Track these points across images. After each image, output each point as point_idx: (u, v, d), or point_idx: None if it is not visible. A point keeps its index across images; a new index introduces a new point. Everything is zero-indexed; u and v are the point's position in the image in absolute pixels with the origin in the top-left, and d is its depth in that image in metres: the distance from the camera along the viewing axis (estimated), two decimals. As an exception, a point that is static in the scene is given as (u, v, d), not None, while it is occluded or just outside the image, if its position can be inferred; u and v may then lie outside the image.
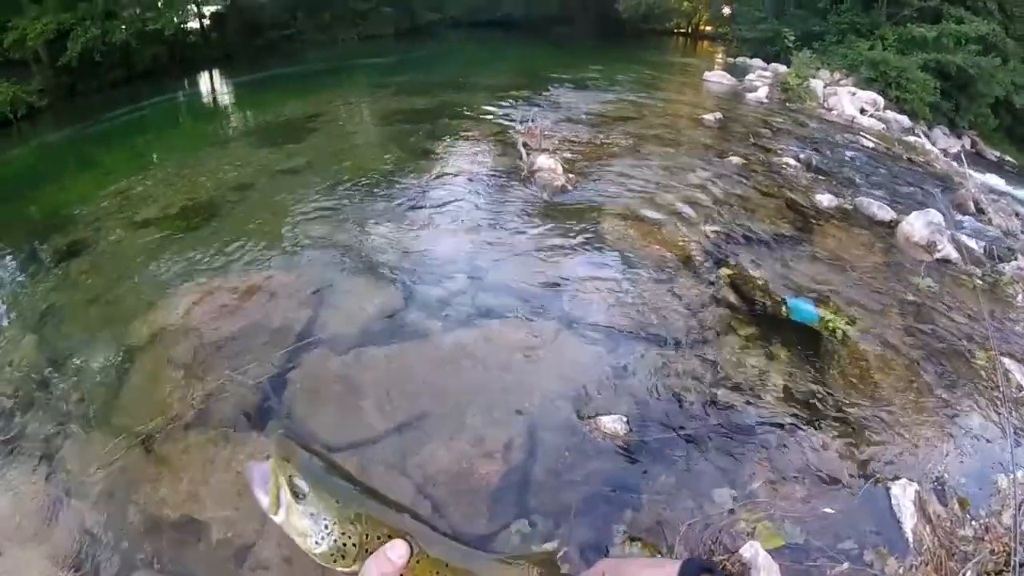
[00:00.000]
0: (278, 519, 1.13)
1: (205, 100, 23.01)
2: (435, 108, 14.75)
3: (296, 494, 1.12)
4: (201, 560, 3.91)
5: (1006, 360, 5.81)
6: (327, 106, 16.26)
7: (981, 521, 4.08)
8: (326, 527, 1.11)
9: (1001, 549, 3.90)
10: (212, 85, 25.11)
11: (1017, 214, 11.75)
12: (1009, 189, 15.07)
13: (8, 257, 9.02)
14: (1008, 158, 21.53)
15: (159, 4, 23.80)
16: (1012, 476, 4.42)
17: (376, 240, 7.54)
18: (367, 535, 1.11)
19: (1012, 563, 3.75)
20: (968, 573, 3.71)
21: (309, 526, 1.11)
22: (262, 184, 9.90)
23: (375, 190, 9.11)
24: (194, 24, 28.31)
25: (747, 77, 19.08)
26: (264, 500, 1.14)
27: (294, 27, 31.11)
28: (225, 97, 23.30)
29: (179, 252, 7.78)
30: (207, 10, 28.88)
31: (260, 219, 8.49)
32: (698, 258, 6.99)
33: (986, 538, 3.96)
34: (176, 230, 8.45)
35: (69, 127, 18.69)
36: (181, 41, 26.28)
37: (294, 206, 8.78)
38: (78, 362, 5.96)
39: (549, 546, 3.69)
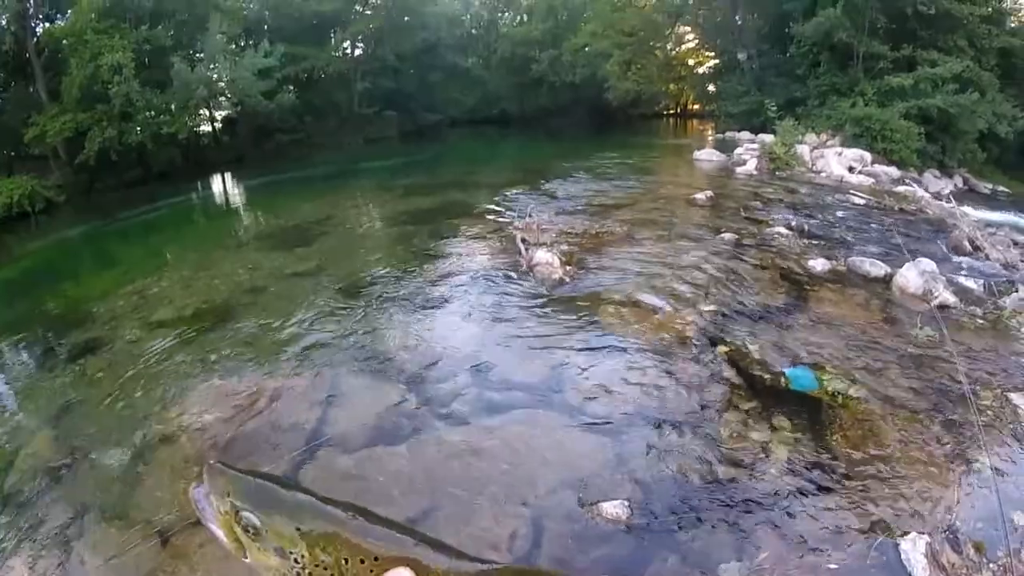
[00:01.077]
0: (249, 562, 1.11)
1: (218, 202, 23.84)
2: (438, 208, 15.31)
3: (252, 532, 1.09)
4: None
5: (1013, 395, 5.90)
6: (335, 209, 16.87)
7: (1000, 563, 4.09)
8: (297, 561, 1.08)
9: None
10: (224, 187, 26.10)
11: (1015, 243, 11.87)
12: (1006, 218, 15.22)
13: (27, 351, 9.42)
14: (1002, 188, 21.80)
15: (173, 108, 25.14)
16: None
17: (384, 340, 7.80)
18: (345, 560, 1.06)
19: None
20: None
21: (279, 564, 1.09)
22: (274, 287, 10.23)
23: (383, 291, 9.42)
24: (207, 128, 29.68)
25: (736, 151, 19.56)
26: (226, 543, 1.13)
27: (302, 131, 32.53)
28: (237, 199, 24.14)
29: (193, 353, 8.04)
30: (219, 115, 30.22)
31: (272, 322, 8.77)
32: (695, 338, 7.14)
33: None
34: (191, 331, 8.74)
35: (86, 223, 19.49)
36: (194, 144, 27.67)
37: (304, 309, 9.07)
38: (94, 456, 6.15)
39: None
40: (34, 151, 23.04)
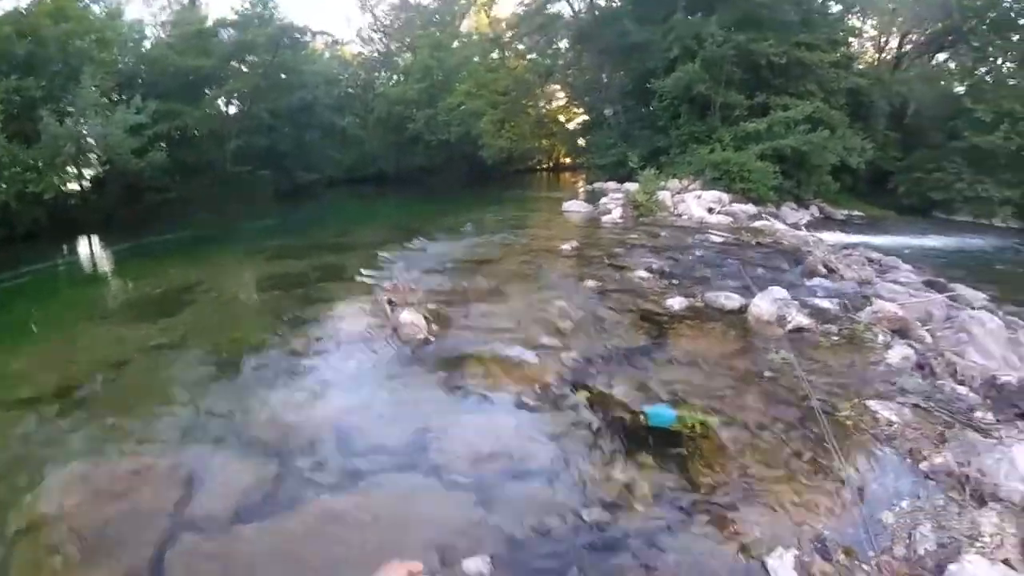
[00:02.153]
0: None
1: (85, 268, 22.53)
2: (310, 271, 15.02)
3: None
4: None
5: (871, 402, 6.26)
6: (205, 273, 16.23)
7: (873, 562, 4.24)
8: None
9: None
10: (92, 251, 24.76)
11: (869, 260, 12.69)
12: (860, 239, 16.32)
13: None
14: (856, 212, 23.87)
15: (40, 165, 23.84)
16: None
17: (247, 414, 7.46)
18: None
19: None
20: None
21: None
22: (136, 361, 9.70)
23: (248, 362, 9.08)
24: (74, 186, 28.20)
25: (602, 201, 20.26)
26: None
27: (173, 190, 31.38)
28: (104, 264, 22.91)
29: (53, 436, 7.49)
30: (88, 172, 28.89)
31: (134, 398, 8.31)
32: (557, 388, 7.21)
33: (882, 574, 4.12)
34: (50, 412, 8.11)
35: None
36: (62, 203, 26.08)
37: (168, 384, 8.66)
38: None
39: None
40: None
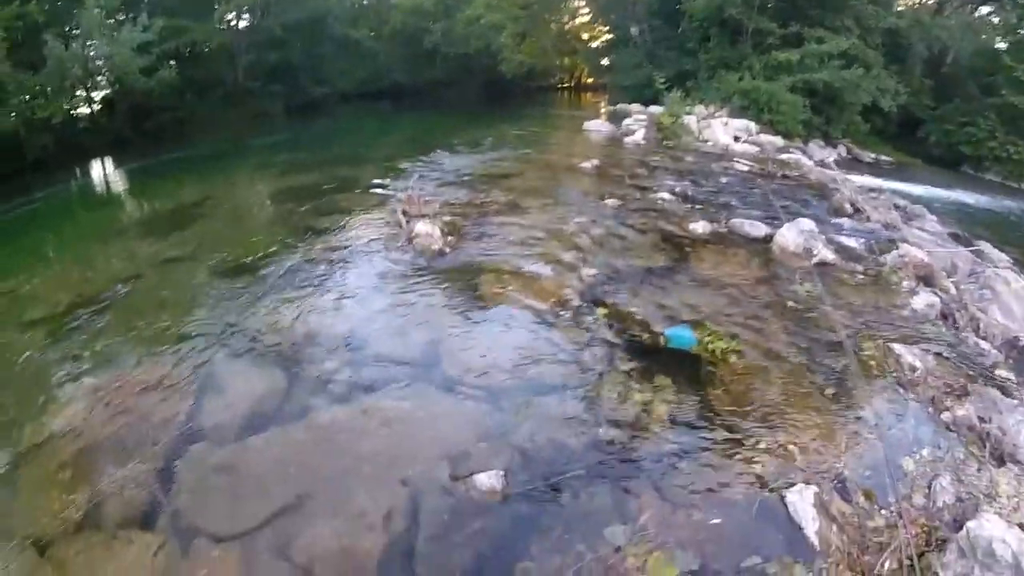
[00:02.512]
0: None
1: (96, 189, 22.45)
2: (322, 184, 14.72)
3: None
4: None
5: (895, 346, 6.01)
6: (216, 189, 16.09)
7: (892, 508, 4.12)
8: None
9: (919, 530, 3.95)
10: (104, 173, 24.57)
11: (896, 206, 12.33)
12: (887, 184, 15.83)
13: None
14: (884, 157, 22.98)
15: (48, 91, 23.35)
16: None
17: (259, 323, 7.39)
18: None
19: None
20: (887, 562, 3.73)
21: None
22: (148, 275, 9.64)
23: (260, 272, 8.97)
24: (84, 110, 27.79)
25: (625, 122, 19.65)
26: None
27: (184, 108, 30.81)
28: (116, 185, 22.78)
29: (66, 351, 7.49)
30: (96, 95, 28.40)
31: (145, 311, 8.25)
32: (575, 303, 7.05)
33: (899, 523, 3.98)
34: (63, 329, 8.14)
35: None
36: (71, 128, 25.67)
37: (179, 297, 8.61)
38: None
39: None
40: None
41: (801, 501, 4.11)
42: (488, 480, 4.47)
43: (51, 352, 7.58)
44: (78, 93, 26.55)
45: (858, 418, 5.06)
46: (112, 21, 26.65)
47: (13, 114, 21.98)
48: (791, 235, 8.48)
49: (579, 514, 4.24)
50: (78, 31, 24.75)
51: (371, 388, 5.88)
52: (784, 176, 13.07)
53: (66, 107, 24.73)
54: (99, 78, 27.52)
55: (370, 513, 4.36)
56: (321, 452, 5.12)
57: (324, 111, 35.69)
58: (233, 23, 35.79)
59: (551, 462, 4.71)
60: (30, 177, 21.69)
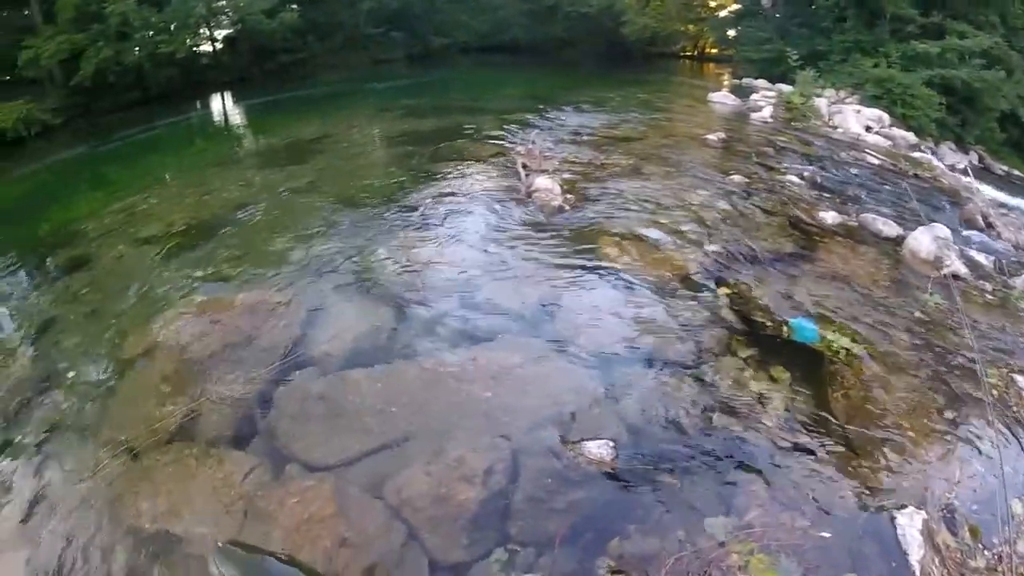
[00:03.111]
0: None
1: (216, 121, 23.25)
2: (440, 131, 14.68)
3: None
4: (176, 573, 3.82)
5: (1018, 377, 5.56)
6: (334, 128, 16.26)
7: (994, 551, 3.83)
8: None
9: (1019, 581, 3.67)
10: (223, 107, 25.35)
11: (1028, 227, 11.47)
12: (1018, 203, 14.77)
13: (15, 270, 9.13)
14: (1016, 172, 21.23)
15: (172, 27, 23.91)
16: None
17: (372, 260, 7.44)
18: None
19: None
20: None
21: None
22: (264, 203, 9.84)
23: (375, 211, 9.01)
24: (207, 47, 28.48)
25: (751, 97, 18.86)
26: None
27: (305, 51, 31.21)
28: (235, 118, 23.54)
29: (178, 269, 7.79)
30: (219, 34, 29.04)
31: (259, 238, 8.46)
32: (697, 278, 6.77)
33: (999, 568, 3.71)
34: (177, 247, 8.45)
35: (82, 146, 18.94)
36: (194, 64, 26.48)
37: (293, 225, 8.72)
38: (72, 373, 6.00)
39: None
40: (29, 75, 22.01)
41: (910, 526, 3.86)
42: (597, 449, 4.32)
43: (163, 268, 7.88)
44: (201, 31, 27.13)
45: (976, 448, 4.69)
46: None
47: (137, 48, 22.72)
48: (925, 240, 7.95)
49: (683, 500, 4.07)
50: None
51: (481, 337, 5.80)
52: (916, 176, 12.27)
53: (189, 44, 25.41)
54: (222, 18, 28.02)
55: (469, 464, 4.28)
56: (424, 395, 5.06)
57: (443, 61, 35.60)
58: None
59: (661, 440, 4.54)
60: (154, 107, 22.46)
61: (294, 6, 29.61)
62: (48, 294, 8.01)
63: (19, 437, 5.22)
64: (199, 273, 7.56)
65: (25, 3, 22.73)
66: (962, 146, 20.62)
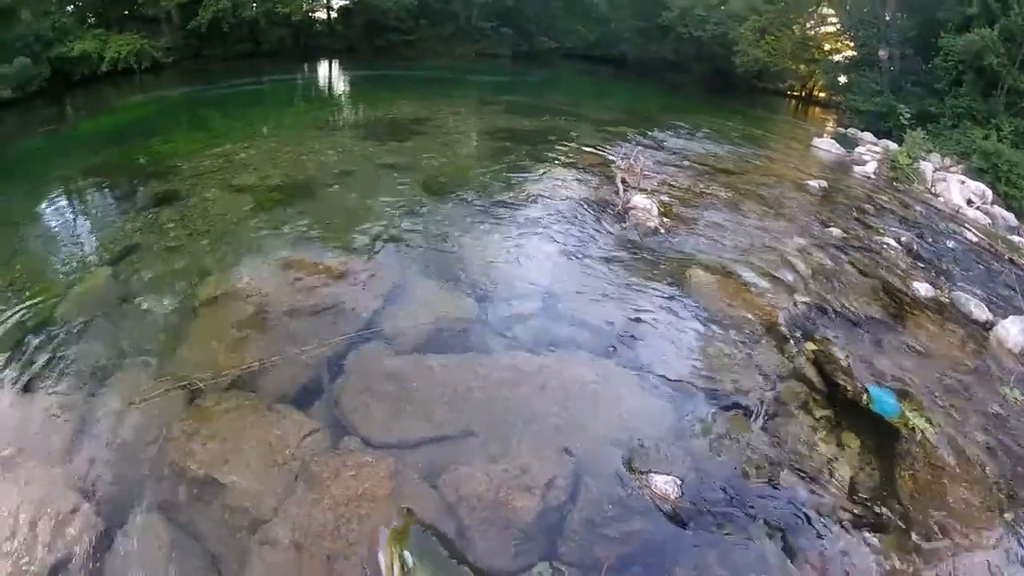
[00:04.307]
0: None
1: (321, 86, 23.60)
2: (539, 130, 14.61)
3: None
4: (214, 521, 3.87)
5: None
6: (435, 112, 16.30)
7: None
8: None
9: None
10: (330, 74, 25.76)
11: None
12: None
13: (108, 193, 9.43)
14: None
15: None
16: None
17: (459, 248, 7.43)
18: None
19: None
20: None
21: None
22: (359, 173, 9.94)
23: (467, 199, 9.02)
24: (321, 15, 29.01)
25: (856, 149, 18.27)
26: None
27: (415, 33, 31.51)
28: (340, 87, 23.84)
29: (266, 222, 7.88)
30: (336, 3, 29.51)
31: (351, 206, 8.54)
32: (783, 327, 6.56)
33: None
34: (268, 201, 8.55)
35: (189, 87, 19.54)
36: (307, 28, 27.17)
37: (386, 200, 8.77)
38: (146, 303, 6.09)
39: None
40: (148, 12, 22.75)
41: None
42: (664, 484, 4.23)
43: (251, 218, 7.97)
44: None
45: None
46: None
47: (255, 4, 23.52)
48: (1014, 330, 7.58)
49: (738, 552, 3.97)
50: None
51: (559, 346, 5.73)
52: (1011, 260, 11.80)
53: (305, 8, 26.28)
54: None
55: (530, 474, 4.23)
56: (495, 393, 5.02)
57: (547, 63, 35.54)
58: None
59: (726, 487, 4.42)
60: (262, 62, 22.92)
61: (410, -14, 29.92)
62: (135, 222, 8.13)
63: (80, 357, 5.31)
64: (287, 229, 7.64)
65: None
66: (1064, 236, 19.67)
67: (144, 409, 4.63)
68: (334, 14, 30.29)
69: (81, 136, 13.57)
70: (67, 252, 7.46)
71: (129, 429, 4.46)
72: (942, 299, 8.29)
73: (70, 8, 21.65)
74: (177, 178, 9.54)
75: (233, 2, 22.43)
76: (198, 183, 9.28)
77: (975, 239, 12.20)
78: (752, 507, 4.29)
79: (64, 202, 9.15)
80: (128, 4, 22.98)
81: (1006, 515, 4.79)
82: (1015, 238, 13.88)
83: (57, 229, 8.17)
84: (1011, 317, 7.84)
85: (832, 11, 33.80)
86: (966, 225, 13.05)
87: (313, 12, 28.31)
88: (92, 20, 21.82)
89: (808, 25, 34.65)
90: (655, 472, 4.35)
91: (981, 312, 8.10)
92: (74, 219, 8.52)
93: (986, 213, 15.21)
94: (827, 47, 35.59)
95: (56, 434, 4.46)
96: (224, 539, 3.77)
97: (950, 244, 11.30)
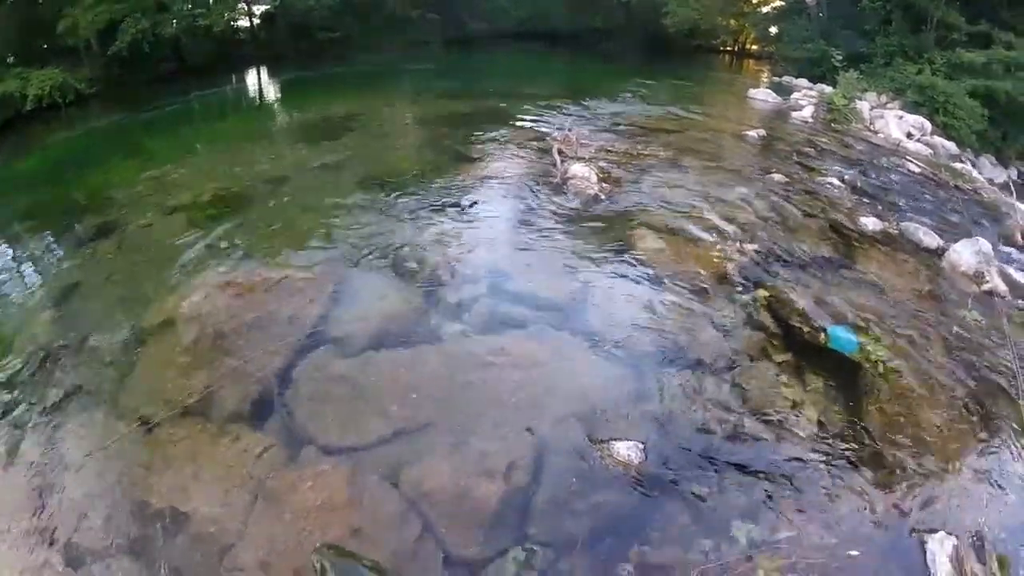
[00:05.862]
0: None
1: (250, 96, 23.21)
2: (475, 114, 14.41)
3: None
4: (182, 552, 3.72)
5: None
6: (368, 107, 16.01)
7: None
8: None
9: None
10: (258, 82, 25.32)
11: (1065, 245, 11.08)
12: (1058, 221, 14.31)
13: (43, 234, 9.08)
14: None
15: (210, 1, 24.05)
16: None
17: (401, 241, 7.24)
18: None
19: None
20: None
21: None
22: (294, 179, 9.70)
23: (406, 190, 8.82)
24: (244, 22, 28.51)
25: (792, 96, 18.43)
26: None
27: (342, 31, 31.11)
28: (269, 94, 23.47)
29: (203, 239, 7.64)
30: (257, 9, 29.05)
31: (288, 213, 8.34)
32: (734, 277, 6.51)
33: None
34: (204, 218, 8.32)
35: (116, 115, 18.91)
36: (230, 38, 26.47)
37: (323, 202, 8.59)
38: (92, 339, 5.87)
39: None
40: (67, 43, 22.14)
41: (940, 552, 3.70)
42: (626, 451, 4.13)
43: (189, 237, 7.72)
44: (239, 6, 27.08)
45: (1008, 473, 4.45)
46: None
47: (175, 20, 22.80)
48: (966, 254, 7.64)
49: (711, 509, 3.89)
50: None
51: (510, 326, 5.61)
52: (956, 187, 11.89)
53: (227, 18, 25.45)
54: None
55: (491, 458, 4.12)
56: (448, 382, 4.90)
57: (479, 46, 35.26)
58: (396, -52, 35.52)
59: (690, 445, 4.33)
60: (188, 79, 22.47)
61: (333, -16, 29.51)
62: (74, 258, 7.92)
63: (34, 400, 5.14)
64: (225, 246, 7.42)
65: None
66: (1002, 160, 20.03)
67: (102, 450, 4.47)
68: (257, 21, 29.76)
69: (13, 177, 13.12)
70: (7, 299, 7.24)
71: (88, 473, 4.30)
72: (891, 231, 8.33)
73: (-10, 48, 21.07)
74: (112, 208, 9.24)
75: (152, 21, 21.81)
76: (133, 210, 9.00)
77: (918, 170, 12.34)
78: (719, 460, 4.22)
79: (2, 247, 8.80)
80: (46, 37, 22.35)
81: (980, 433, 4.82)
82: (958, 165, 14.10)
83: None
84: (962, 240, 7.94)
85: (759, -38, 34.07)
86: (908, 157, 13.20)
87: (235, 21, 27.72)
88: (11, 60, 21.27)
89: (735, -22, 34.86)
90: (616, 440, 4.24)
91: (931, 239, 8.16)
92: (13, 265, 8.24)
93: (927, 144, 15.44)
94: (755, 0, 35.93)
95: (14, 487, 4.30)
96: (194, 570, 3.64)
97: (894, 177, 11.41)
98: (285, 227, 7.81)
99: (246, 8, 27.98)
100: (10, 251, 8.75)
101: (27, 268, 8.15)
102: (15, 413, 5.00)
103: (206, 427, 4.57)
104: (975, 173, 14.11)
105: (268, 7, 29.32)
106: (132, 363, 5.45)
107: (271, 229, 7.77)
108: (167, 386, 4.99)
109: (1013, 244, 9.57)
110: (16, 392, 5.27)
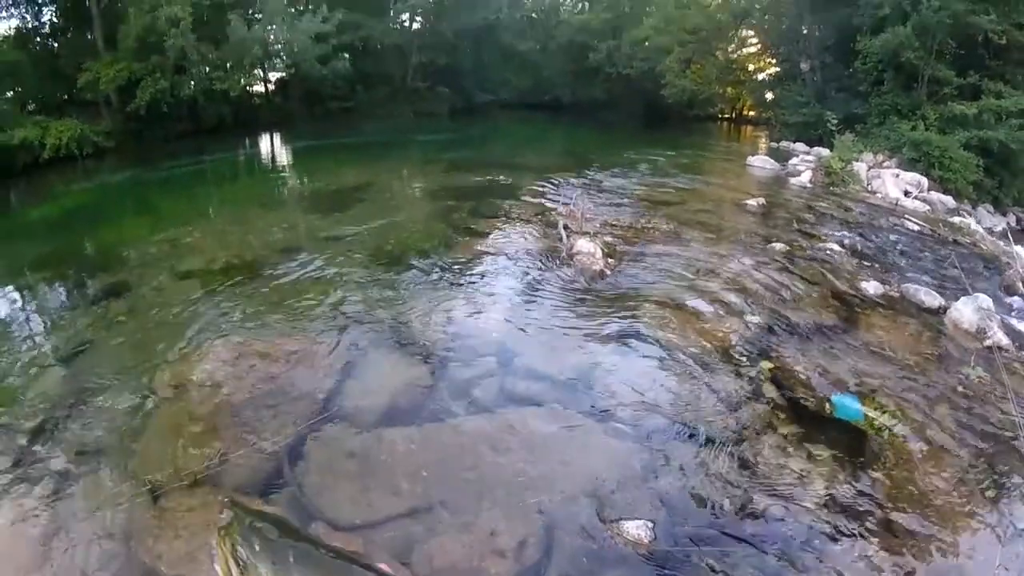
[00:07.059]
0: None
1: (263, 160, 23.85)
2: (482, 186, 14.84)
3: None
4: None
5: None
6: (378, 177, 16.48)
7: None
8: None
9: None
10: (271, 147, 26.00)
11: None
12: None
13: (54, 288, 9.33)
14: None
15: (228, 66, 24.96)
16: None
17: (411, 315, 7.39)
18: None
19: None
20: None
21: None
22: (306, 249, 9.92)
23: (415, 264, 9.06)
24: (259, 88, 29.41)
25: (790, 162, 18.78)
26: None
27: (353, 99, 32.04)
28: (281, 159, 24.13)
29: (216, 307, 7.77)
30: (272, 76, 29.99)
31: (299, 284, 8.48)
32: (739, 349, 6.63)
33: None
34: (217, 284, 8.47)
35: (131, 170, 19.53)
36: (246, 102, 27.50)
37: (334, 275, 8.75)
38: (100, 401, 5.89)
39: None
40: (86, 96, 23.10)
41: None
42: (636, 529, 4.18)
43: (202, 304, 7.87)
44: (255, 72, 28.21)
45: (1018, 529, 4.46)
46: (293, 9, 28.34)
47: (193, 82, 23.82)
48: (967, 311, 7.73)
49: (722, 587, 3.91)
50: (261, 15, 26.42)
51: (518, 402, 5.71)
52: (955, 242, 12.03)
53: (243, 83, 26.64)
54: (276, 61, 29.36)
55: (502, 536, 4.16)
56: (458, 459, 4.96)
57: (485, 116, 36.29)
58: (407, 24, 36.94)
59: (700, 522, 4.38)
60: (203, 140, 23.12)
61: (346, 55, 30.52)
62: (86, 316, 7.99)
63: (42, 460, 5.16)
64: (237, 314, 7.55)
65: (89, 27, 23.99)
66: (1000, 208, 20.18)
67: (109, 514, 4.46)
68: (271, 87, 30.72)
69: (27, 225, 13.51)
70: (17, 352, 7.24)
71: (96, 536, 4.29)
72: (892, 294, 8.45)
73: (9, 94, 22.13)
74: (124, 268, 9.52)
75: (172, 81, 22.67)
76: (146, 272, 9.24)
77: (917, 228, 12.50)
78: (728, 536, 4.26)
79: (12, 297, 8.99)
80: (67, 89, 23.23)
81: (988, 493, 4.83)
82: (956, 219, 14.25)
83: (5, 327, 7.95)
84: (962, 299, 8.00)
85: (751, 32, 34.82)
86: (906, 216, 13.38)
87: (251, 86, 28.68)
88: (32, 107, 21.97)
89: (730, 49, 35.63)
90: (625, 519, 4.29)
91: (932, 299, 8.26)
92: (24, 316, 8.38)
93: (924, 200, 15.65)
94: (751, 67, 36.66)
95: (18, 548, 4.28)
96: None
97: (893, 238, 11.56)
98: (297, 298, 7.96)
99: (261, 74, 28.96)
100: (20, 301, 8.91)
101: (36, 322, 8.23)
102: (20, 471, 5.01)
103: (216, 498, 4.56)
104: (974, 224, 14.24)
105: (283, 74, 30.32)
106: (142, 428, 5.49)
107: (283, 300, 7.91)
108: (178, 454, 5.04)
109: (1015, 293, 9.64)
110: (23, 451, 5.28)
